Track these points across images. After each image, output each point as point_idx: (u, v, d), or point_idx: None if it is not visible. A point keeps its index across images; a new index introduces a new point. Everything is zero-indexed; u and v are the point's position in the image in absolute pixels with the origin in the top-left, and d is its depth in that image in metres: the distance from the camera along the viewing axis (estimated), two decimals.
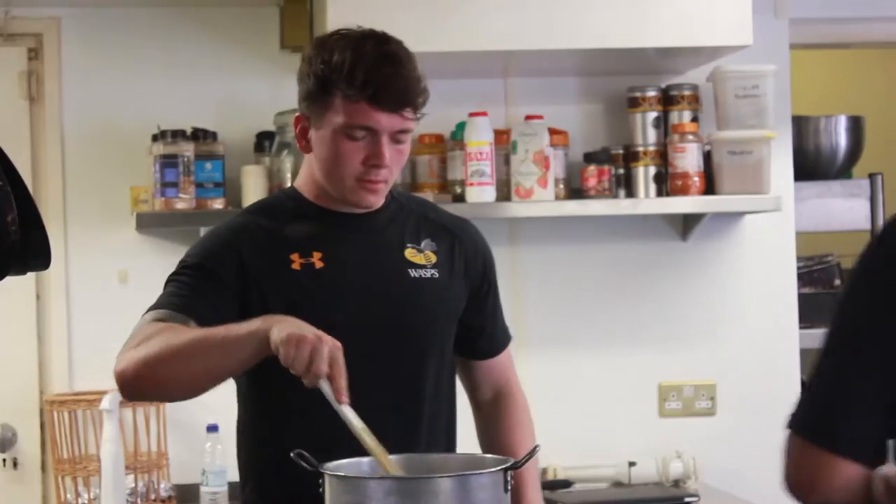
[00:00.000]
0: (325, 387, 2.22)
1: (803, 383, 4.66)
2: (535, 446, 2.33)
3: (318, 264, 2.58)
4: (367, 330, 2.57)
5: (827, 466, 1.96)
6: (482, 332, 2.79)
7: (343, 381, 2.23)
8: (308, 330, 2.24)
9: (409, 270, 2.64)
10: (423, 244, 2.68)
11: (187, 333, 2.42)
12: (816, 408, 2.01)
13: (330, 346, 2.22)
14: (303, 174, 2.69)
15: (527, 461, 2.28)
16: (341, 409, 2.23)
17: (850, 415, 1.95)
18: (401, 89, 2.50)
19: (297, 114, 2.62)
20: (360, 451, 2.25)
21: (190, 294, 2.53)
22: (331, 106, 2.52)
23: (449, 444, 2.71)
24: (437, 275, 2.66)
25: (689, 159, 4.27)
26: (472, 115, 4.18)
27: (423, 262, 2.66)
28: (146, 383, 2.46)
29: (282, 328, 2.25)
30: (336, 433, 2.26)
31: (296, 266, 2.57)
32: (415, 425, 2.61)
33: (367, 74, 2.48)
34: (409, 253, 2.66)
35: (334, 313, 2.54)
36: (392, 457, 2.26)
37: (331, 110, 2.52)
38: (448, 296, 2.68)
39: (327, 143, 2.54)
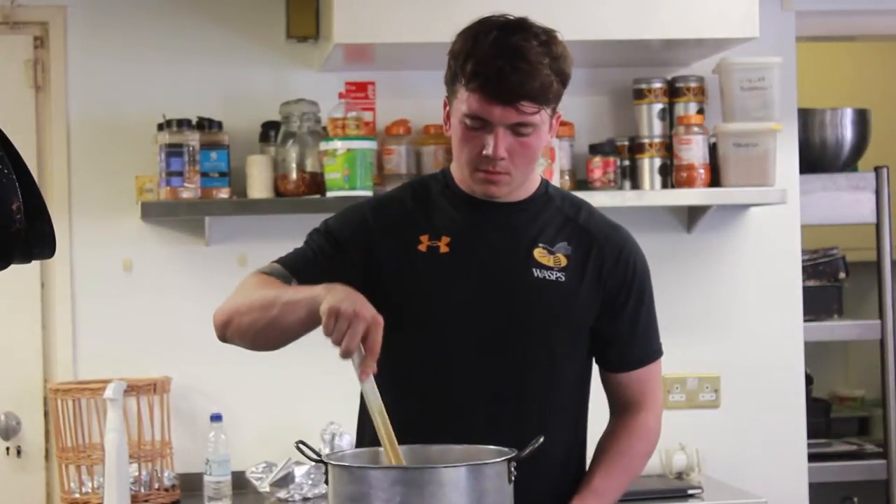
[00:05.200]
0: (356, 361, 2.24)
1: (807, 376, 4.67)
2: (538, 438, 2.31)
3: (444, 249, 2.58)
4: (476, 322, 2.55)
5: None
6: (613, 344, 2.68)
7: (371, 360, 2.23)
8: (350, 303, 2.24)
9: (534, 269, 2.59)
10: (556, 246, 2.61)
11: (270, 288, 2.49)
12: None
13: (368, 322, 2.22)
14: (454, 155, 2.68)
15: (529, 453, 2.27)
16: (363, 386, 2.25)
17: None
18: (513, 83, 2.47)
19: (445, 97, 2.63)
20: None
21: (310, 257, 2.60)
22: (457, 94, 2.53)
23: (569, 458, 2.65)
24: (564, 278, 2.59)
25: (694, 151, 4.26)
26: None
27: (550, 263, 2.60)
28: (229, 330, 2.54)
29: (331, 299, 2.27)
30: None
31: (422, 248, 2.58)
32: (514, 424, 2.54)
33: (478, 66, 2.47)
34: (539, 252, 2.60)
35: (446, 300, 2.55)
36: (395, 437, 2.28)
37: (457, 98, 2.53)
38: (572, 301, 2.60)
39: (454, 130, 2.56)
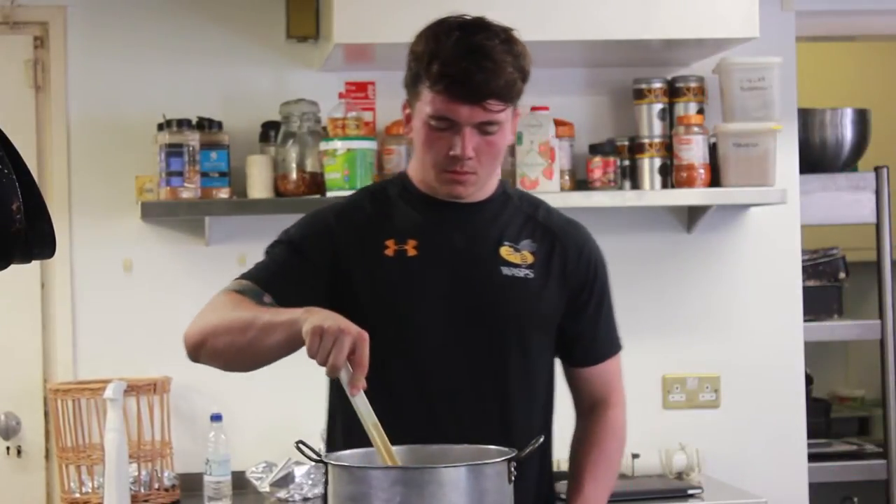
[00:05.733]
0: (344, 377, 2.22)
1: (807, 376, 4.67)
2: (538, 437, 2.32)
3: (411, 252, 2.58)
4: (450, 323, 2.56)
5: None
6: (579, 340, 2.72)
7: (360, 374, 2.22)
8: (333, 322, 2.23)
9: (502, 268, 2.60)
10: (522, 244, 2.64)
11: (245, 310, 2.47)
12: None
13: (353, 338, 2.21)
14: (413, 160, 2.68)
15: (530, 452, 2.27)
16: (354, 401, 2.23)
17: None
18: (479, 81, 2.48)
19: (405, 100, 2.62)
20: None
21: (276, 270, 2.57)
22: (419, 95, 2.53)
23: (543, 455, 2.69)
24: (532, 275, 2.62)
25: (694, 151, 4.26)
26: None
27: (518, 261, 2.62)
28: (203, 351, 2.52)
29: (313, 320, 2.25)
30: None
31: (389, 252, 2.58)
32: (491, 423, 2.57)
33: (444, 66, 2.48)
34: (505, 251, 2.62)
35: (418, 302, 2.55)
36: (394, 448, 2.26)
37: (420, 100, 2.53)
38: (540, 298, 2.63)
39: (418, 132, 2.56)
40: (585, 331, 2.72)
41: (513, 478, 2.20)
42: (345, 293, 2.52)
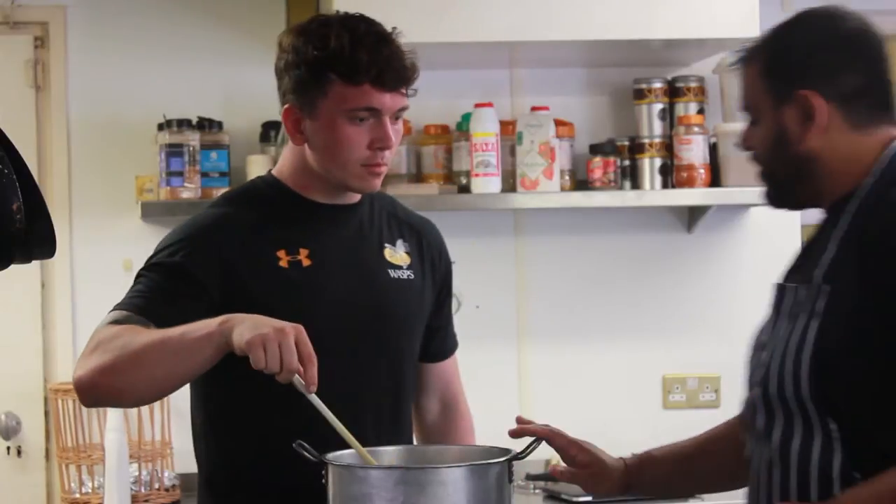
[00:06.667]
0: (297, 380, 2.19)
1: None
2: (537, 438, 2.32)
3: (306, 262, 2.52)
4: (350, 331, 2.54)
5: None
6: (436, 334, 2.75)
7: (313, 370, 2.19)
8: (267, 326, 2.18)
9: (389, 271, 2.61)
10: (397, 244, 2.65)
11: (144, 337, 2.32)
12: None
13: (294, 336, 2.18)
14: (286, 163, 2.60)
15: (530, 452, 2.28)
16: (312, 399, 2.21)
17: None
18: (399, 68, 2.48)
19: (285, 107, 2.53)
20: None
21: (156, 296, 2.43)
22: (328, 93, 2.46)
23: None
24: (412, 276, 2.64)
25: (694, 151, 4.26)
26: (477, 105, 4.18)
27: (399, 262, 2.63)
28: (102, 391, 2.38)
29: (242, 331, 2.19)
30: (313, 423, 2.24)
31: (283, 264, 2.51)
32: (395, 425, 2.59)
33: (371, 55, 2.45)
34: (388, 253, 2.62)
35: (319, 313, 2.49)
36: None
37: (329, 97, 2.47)
38: (421, 297, 2.66)
39: (327, 131, 2.49)
40: (441, 326, 2.76)
41: (513, 477, 2.20)
42: (239, 306, 2.35)
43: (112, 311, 2.42)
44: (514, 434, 2.38)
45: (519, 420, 2.41)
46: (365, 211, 2.63)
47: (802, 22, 2.18)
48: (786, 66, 2.13)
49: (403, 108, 2.53)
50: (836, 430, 2.03)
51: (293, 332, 2.18)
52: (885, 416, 2.00)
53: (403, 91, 2.51)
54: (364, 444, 2.27)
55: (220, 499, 2.58)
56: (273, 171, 2.62)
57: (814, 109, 2.10)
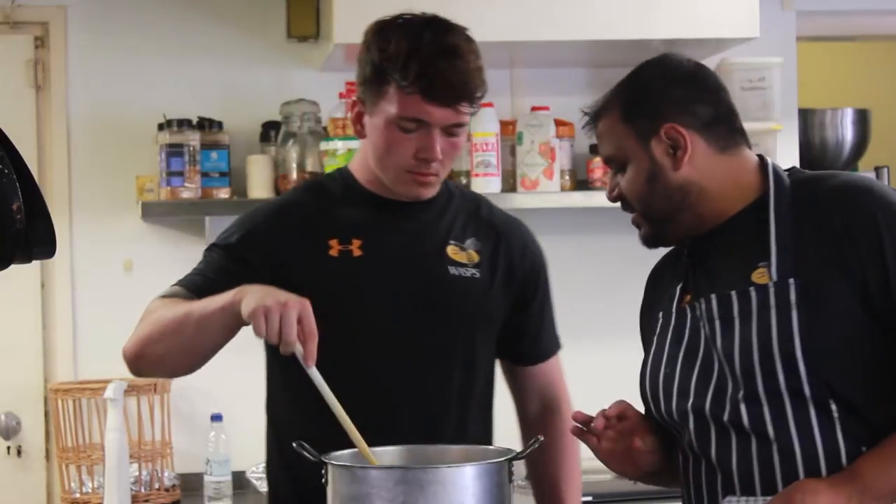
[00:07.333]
0: (299, 351, 2.21)
1: None
2: (537, 438, 2.32)
3: (357, 252, 2.54)
4: (397, 325, 2.54)
5: None
6: (525, 336, 2.72)
7: (312, 345, 2.21)
8: (273, 298, 2.22)
9: (450, 268, 2.58)
10: (467, 242, 2.62)
11: (176, 308, 2.43)
12: None
13: (298, 310, 2.20)
14: (358, 157, 2.63)
15: (529, 451, 2.28)
16: (310, 373, 2.22)
17: None
18: (455, 83, 2.45)
19: (353, 97, 2.57)
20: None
21: (211, 275, 2.53)
22: (385, 95, 2.47)
23: None
24: (478, 275, 2.60)
25: None
26: None
27: (464, 260, 2.60)
28: (144, 361, 2.50)
29: (249, 301, 2.24)
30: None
31: (333, 252, 2.54)
32: (432, 422, 2.55)
33: (422, 67, 2.43)
34: (452, 250, 2.60)
35: (365, 305, 2.52)
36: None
37: (384, 99, 2.47)
38: (487, 297, 2.62)
39: (380, 132, 2.50)
40: (530, 328, 2.72)
41: (513, 477, 2.20)
42: (286, 290, 2.38)
43: (172, 285, 2.56)
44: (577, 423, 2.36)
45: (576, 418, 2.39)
46: (437, 208, 2.62)
47: (644, 69, 2.33)
48: (643, 105, 2.27)
49: (458, 125, 2.49)
50: (835, 409, 2.12)
51: (297, 305, 2.21)
52: (886, 391, 2.13)
53: (460, 107, 2.47)
54: (400, 442, 2.31)
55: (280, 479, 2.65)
56: (349, 165, 2.66)
57: (681, 138, 2.24)
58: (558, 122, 4.26)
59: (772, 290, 2.15)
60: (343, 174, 2.65)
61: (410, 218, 2.59)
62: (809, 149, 4.66)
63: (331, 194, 2.62)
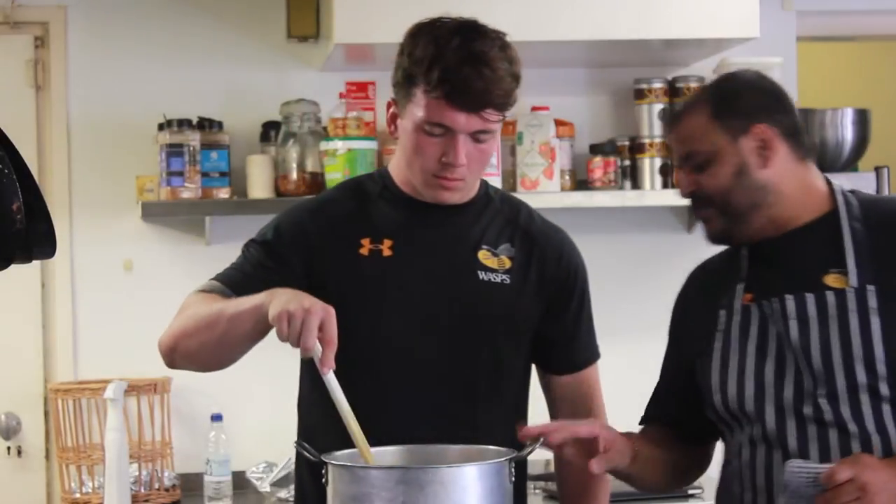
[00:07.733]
0: (317, 356, 2.22)
1: None
2: (538, 438, 2.32)
3: (386, 252, 2.55)
4: (422, 327, 2.53)
5: None
6: (556, 345, 2.69)
7: (329, 351, 2.21)
8: (298, 303, 2.22)
9: (479, 272, 2.57)
10: (500, 248, 2.60)
11: (211, 305, 2.46)
12: None
13: (321, 317, 2.21)
14: (395, 157, 2.63)
15: (530, 452, 2.28)
16: (326, 379, 2.23)
17: None
18: (479, 90, 2.43)
19: (390, 98, 2.57)
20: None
21: (249, 271, 2.56)
22: (413, 99, 2.47)
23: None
24: (509, 280, 2.58)
25: None
26: None
27: (495, 265, 2.58)
28: (178, 354, 2.54)
29: (276, 304, 2.25)
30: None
31: (364, 251, 2.55)
32: (457, 425, 2.51)
33: (445, 73, 2.42)
34: (483, 255, 2.58)
35: (391, 305, 2.52)
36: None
37: (413, 103, 2.47)
38: (517, 303, 2.59)
39: (408, 135, 2.50)
40: (563, 336, 2.69)
41: (513, 478, 2.20)
42: (318, 292, 2.40)
43: (210, 279, 2.59)
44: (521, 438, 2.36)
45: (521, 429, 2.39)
46: (472, 212, 2.61)
47: (733, 76, 2.52)
48: (736, 105, 2.41)
49: (484, 132, 2.48)
50: None
51: (321, 312, 2.21)
52: None
53: (486, 114, 2.46)
54: (420, 442, 2.32)
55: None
56: (388, 165, 2.67)
57: (770, 139, 2.38)
58: (558, 122, 4.26)
59: (851, 295, 2.32)
60: (382, 174, 2.66)
61: (444, 221, 2.59)
62: None
63: (368, 193, 2.63)
